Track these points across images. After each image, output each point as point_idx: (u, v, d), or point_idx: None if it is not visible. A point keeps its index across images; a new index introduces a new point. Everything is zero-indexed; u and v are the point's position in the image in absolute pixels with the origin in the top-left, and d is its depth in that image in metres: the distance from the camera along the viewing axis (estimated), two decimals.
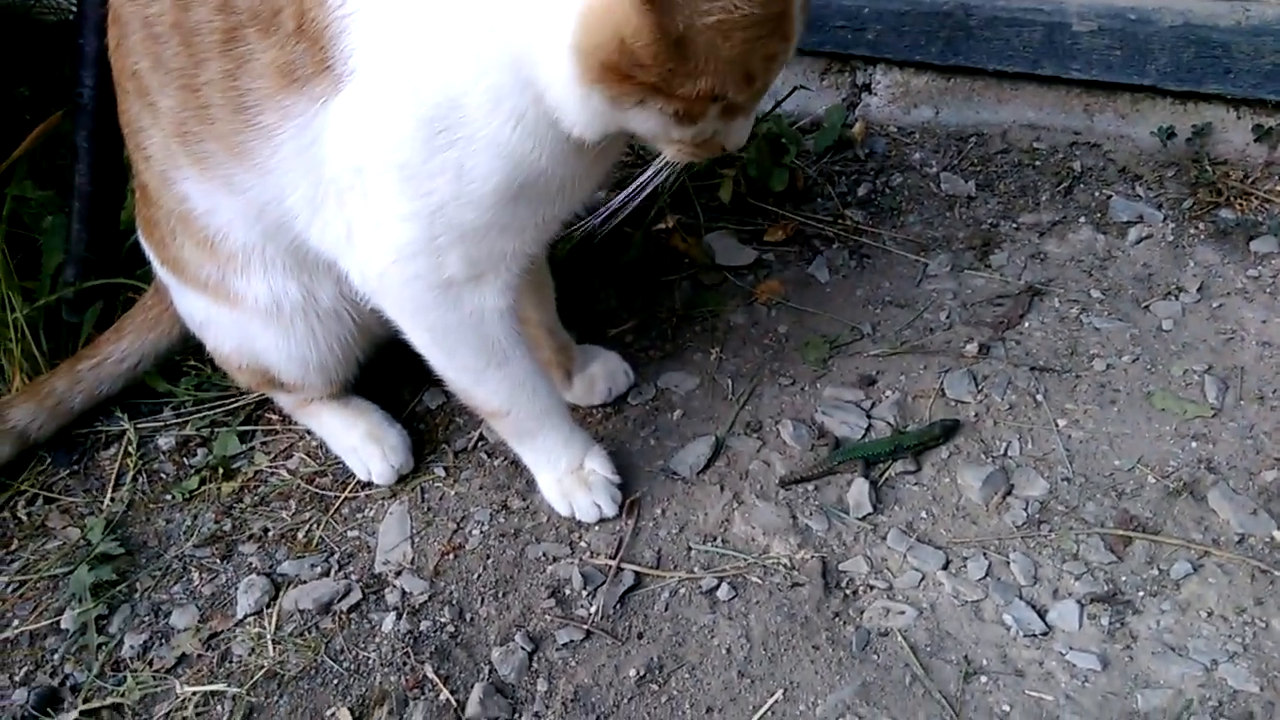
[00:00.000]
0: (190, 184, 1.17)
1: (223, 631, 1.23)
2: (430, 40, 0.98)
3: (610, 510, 1.29)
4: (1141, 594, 1.14)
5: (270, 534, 1.35)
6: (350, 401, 1.43)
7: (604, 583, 1.22)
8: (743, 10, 0.85)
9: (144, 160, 1.21)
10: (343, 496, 1.37)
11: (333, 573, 1.28)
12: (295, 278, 1.24)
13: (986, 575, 1.18)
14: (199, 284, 1.27)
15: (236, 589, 1.27)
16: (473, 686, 1.12)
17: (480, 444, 1.42)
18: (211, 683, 1.17)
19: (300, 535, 1.34)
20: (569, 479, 1.30)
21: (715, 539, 1.27)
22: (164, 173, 1.19)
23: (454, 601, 1.22)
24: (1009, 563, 1.19)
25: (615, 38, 0.86)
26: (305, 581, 1.27)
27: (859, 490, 1.28)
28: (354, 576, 1.27)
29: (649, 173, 1.06)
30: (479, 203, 1.05)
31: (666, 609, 1.20)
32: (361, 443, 1.38)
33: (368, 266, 1.13)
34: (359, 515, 1.35)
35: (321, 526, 1.34)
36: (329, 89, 1.03)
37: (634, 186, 1.07)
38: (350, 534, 1.33)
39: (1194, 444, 1.28)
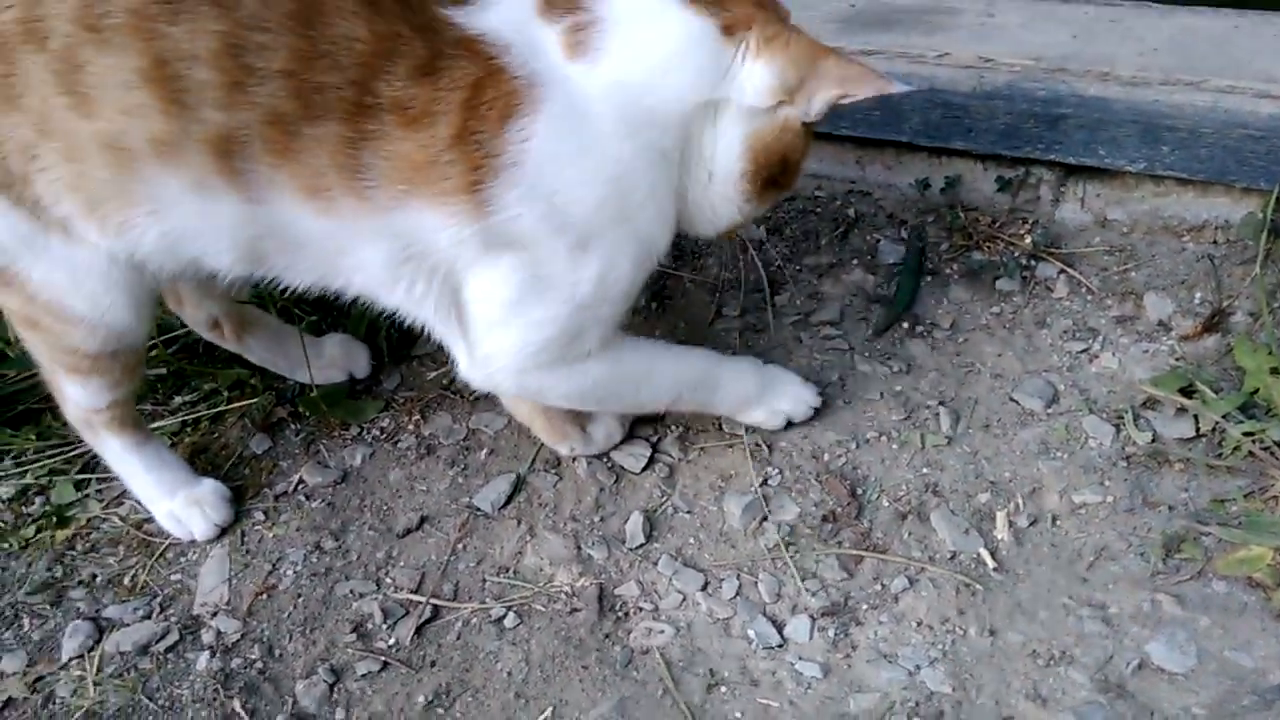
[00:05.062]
0: None
1: (48, 675, 1.33)
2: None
3: (815, 399, 1.52)
4: (865, 607, 1.32)
5: (99, 580, 1.45)
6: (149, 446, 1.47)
7: (404, 615, 1.36)
8: None
9: None
10: (168, 541, 1.48)
11: (154, 615, 1.39)
12: None
13: (737, 594, 1.35)
14: None
15: (63, 634, 1.37)
16: (276, 718, 1.25)
17: (300, 487, 1.54)
18: None
19: (126, 580, 1.44)
20: (767, 393, 1.49)
21: (508, 570, 1.41)
22: None
23: (264, 639, 1.35)
24: (757, 582, 1.36)
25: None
26: (128, 625, 1.38)
27: (635, 521, 1.44)
28: (173, 618, 1.38)
29: None
30: (621, 295, 1.26)
31: (458, 638, 1.34)
32: (182, 508, 1.47)
33: (490, 359, 1.28)
34: (182, 559, 1.46)
35: (147, 571, 1.45)
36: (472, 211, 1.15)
37: None
38: (173, 577, 1.44)
39: (925, 470, 1.47)
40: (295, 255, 1.21)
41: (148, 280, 1.24)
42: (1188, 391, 1.47)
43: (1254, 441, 1.39)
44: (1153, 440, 1.45)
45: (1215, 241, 1.68)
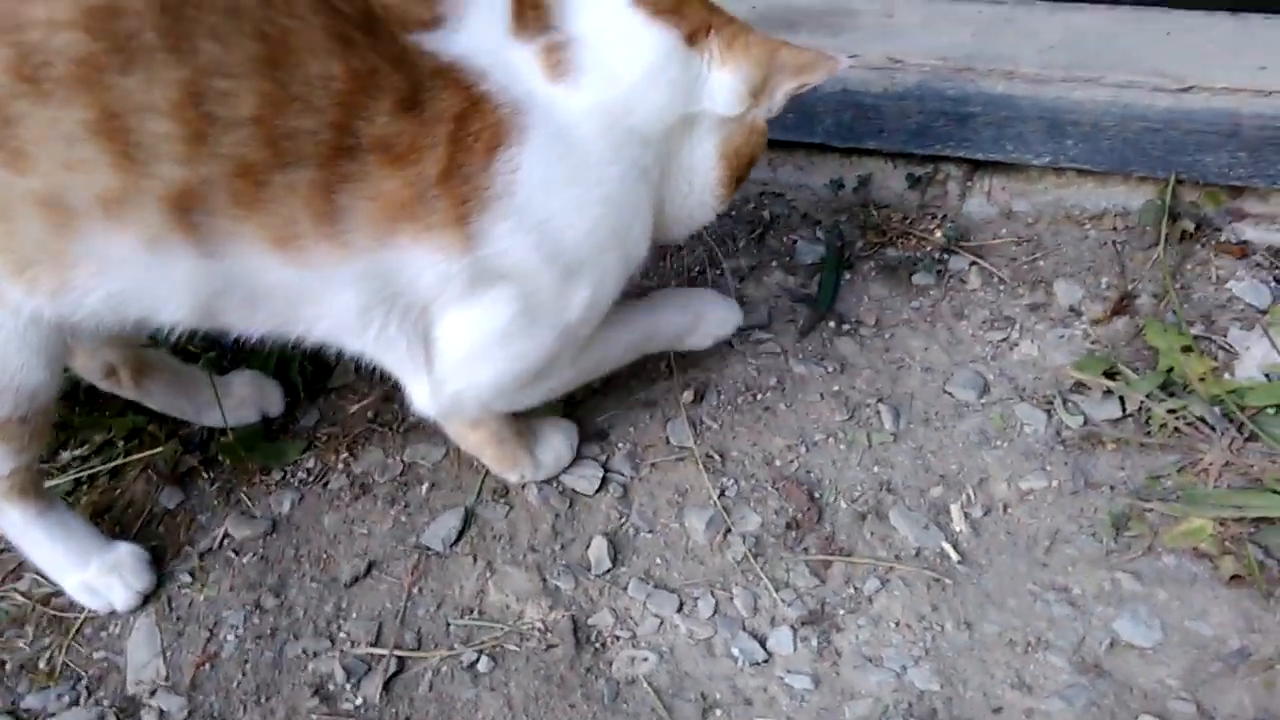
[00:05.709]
0: None
1: None
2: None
3: (738, 317, 1.54)
4: (842, 612, 1.33)
5: (9, 666, 1.29)
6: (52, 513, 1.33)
7: (368, 672, 1.28)
8: None
9: None
10: (83, 616, 1.34)
11: (83, 700, 1.25)
12: None
13: (715, 612, 1.33)
14: None
15: None
16: None
17: (226, 542, 1.42)
18: None
19: (42, 663, 1.29)
20: (697, 325, 1.51)
21: (472, 611, 1.35)
22: None
23: (215, 714, 1.23)
24: (732, 598, 1.34)
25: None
26: (54, 715, 1.24)
27: (599, 546, 1.39)
28: (106, 702, 1.25)
29: None
30: (602, 314, 1.26)
31: (431, 689, 1.26)
32: (97, 577, 1.33)
33: (462, 394, 1.24)
34: (103, 634, 1.32)
35: (64, 651, 1.30)
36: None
37: None
38: (96, 655, 1.30)
39: (876, 468, 1.49)
40: (255, 308, 1.11)
41: (65, 338, 1.11)
42: (1110, 374, 1.55)
43: (1177, 418, 1.48)
44: (1084, 423, 1.52)
45: (1115, 228, 1.77)
